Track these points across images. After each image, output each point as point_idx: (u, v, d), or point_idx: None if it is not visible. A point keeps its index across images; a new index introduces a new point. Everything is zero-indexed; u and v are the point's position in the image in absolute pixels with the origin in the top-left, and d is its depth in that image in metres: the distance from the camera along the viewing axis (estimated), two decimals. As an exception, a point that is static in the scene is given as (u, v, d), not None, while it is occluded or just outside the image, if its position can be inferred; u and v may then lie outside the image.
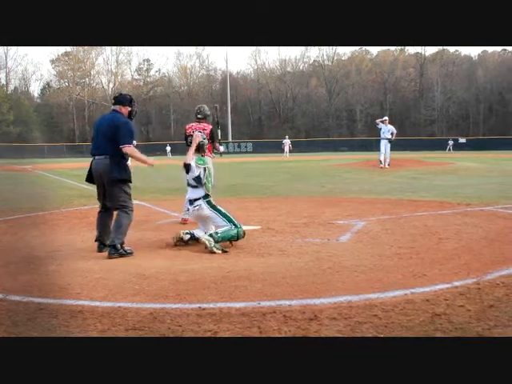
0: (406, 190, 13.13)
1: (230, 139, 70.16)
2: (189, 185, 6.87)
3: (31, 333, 3.59)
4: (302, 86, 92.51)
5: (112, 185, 6.24)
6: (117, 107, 6.47)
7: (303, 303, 4.11)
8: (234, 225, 6.59)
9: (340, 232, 7.35)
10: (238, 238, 6.54)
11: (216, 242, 6.27)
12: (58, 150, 66.56)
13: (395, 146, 24.97)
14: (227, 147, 64.00)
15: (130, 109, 6.51)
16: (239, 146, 70.98)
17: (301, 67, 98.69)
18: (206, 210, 6.72)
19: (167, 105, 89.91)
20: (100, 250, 6.38)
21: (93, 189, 6.70)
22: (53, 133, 78.92)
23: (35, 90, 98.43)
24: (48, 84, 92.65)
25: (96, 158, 6.36)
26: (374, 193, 12.89)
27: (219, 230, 6.49)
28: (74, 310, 4.08)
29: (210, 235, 6.36)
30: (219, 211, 6.72)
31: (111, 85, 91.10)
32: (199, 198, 6.76)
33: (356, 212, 9.28)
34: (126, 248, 6.15)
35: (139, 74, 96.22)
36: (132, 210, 6.39)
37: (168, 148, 62.67)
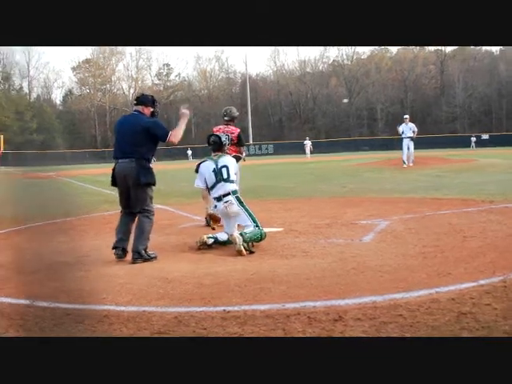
0: (429, 188, 13.01)
1: (250, 141, 70.05)
2: (218, 181, 6.84)
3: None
4: (322, 86, 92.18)
5: (137, 188, 6.17)
6: (139, 108, 6.42)
7: (327, 304, 4.09)
8: (257, 226, 6.59)
9: (363, 232, 7.31)
10: (261, 239, 6.55)
11: (244, 241, 6.24)
12: (80, 156, 67.27)
13: (417, 144, 24.76)
14: (248, 150, 64.04)
15: (152, 109, 6.47)
16: (260, 148, 71.00)
17: (320, 67, 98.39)
18: (235, 207, 6.71)
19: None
20: (119, 257, 6.19)
21: (116, 194, 6.67)
22: (75, 139, 79.81)
23: (57, 97, 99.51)
24: (70, 91, 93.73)
25: (120, 161, 6.27)
26: (397, 191, 12.82)
27: (247, 231, 6.48)
28: (100, 315, 4.11)
29: (240, 234, 6.34)
30: (246, 209, 6.73)
31: (132, 90, 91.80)
32: (228, 194, 6.77)
33: (379, 212, 9.22)
34: (149, 252, 6.13)
35: (159, 79, 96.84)
36: (153, 214, 6.35)
37: (189, 152, 62.97)
